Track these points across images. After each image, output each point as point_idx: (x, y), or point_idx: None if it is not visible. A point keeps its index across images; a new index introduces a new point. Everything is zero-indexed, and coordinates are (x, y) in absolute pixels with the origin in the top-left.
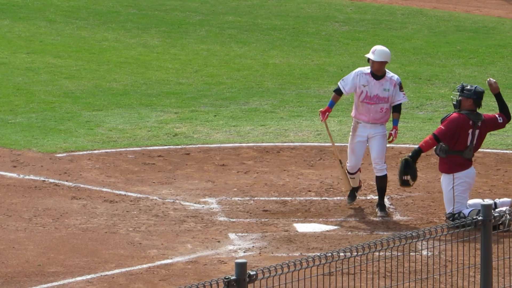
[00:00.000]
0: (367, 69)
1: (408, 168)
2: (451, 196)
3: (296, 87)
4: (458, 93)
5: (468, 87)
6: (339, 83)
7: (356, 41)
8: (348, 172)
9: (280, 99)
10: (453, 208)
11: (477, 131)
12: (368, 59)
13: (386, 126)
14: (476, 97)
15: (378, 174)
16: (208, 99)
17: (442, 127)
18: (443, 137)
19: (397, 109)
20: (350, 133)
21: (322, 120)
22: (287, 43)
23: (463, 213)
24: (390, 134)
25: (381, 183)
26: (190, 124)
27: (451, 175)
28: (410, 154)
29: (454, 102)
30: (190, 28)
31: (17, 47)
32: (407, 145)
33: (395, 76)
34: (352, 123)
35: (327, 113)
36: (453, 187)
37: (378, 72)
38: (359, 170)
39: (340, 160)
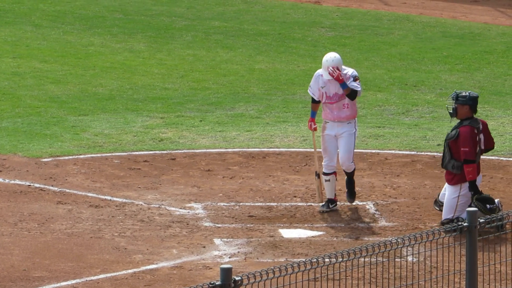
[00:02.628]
0: (322, 70)
1: (483, 201)
2: (454, 204)
3: (282, 93)
4: (453, 101)
5: (463, 94)
6: (309, 91)
7: (343, 47)
8: (324, 173)
9: (266, 105)
10: (453, 216)
11: (481, 136)
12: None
13: (355, 123)
14: (472, 102)
15: (348, 171)
16: (194, 104)
17: (466, 149)
18: (473, 156)
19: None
20: (321, 133)
21: (311, 129)
22: (273, 49)
23: (461, 217)
24: (334, 71)
25: (350, 175)
26: (176, 129)
27: (459, 185)
28: (472, 193)
29: (450, 111)
30: (176, 33)
31: (2, 51)
32: (393, 151)
33: (350, 71)
34: (322, 123)
35: (311, 123)
36: (458, 196)
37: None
38: (335, 173)
39: (316, 172)
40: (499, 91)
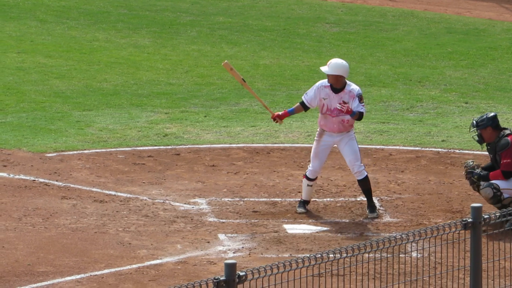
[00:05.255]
0: (326, 81)
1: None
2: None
3: (287, 88)
4: (475, 128)
5: (480, 119)
6: (303, 97)
7: (347, 43)
8: (308, 178)
9: (270, 100)
10: None
11: None
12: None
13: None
14: (492, 122)
15: (359, 178)
16: (198, 100)
17: (509, 160)
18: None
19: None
20: (316, 138)
21: (275, 120)
22: (278, 44)
23: None
24: (343, 107)
25: (364, 185)
26: (181, 124)
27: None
28: (480, 173)
29: (477, 139)
30: (181, 29)
31: (7, 46)
32: (397, 147)
33: (355, 89)
34: (318, 130)
35: (278, 117)
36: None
37: (335, 85)
38: (316, 178)
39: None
40: (503, 87)
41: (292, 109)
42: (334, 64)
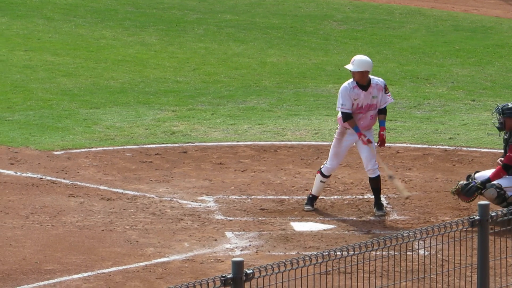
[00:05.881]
0: (351, 82)
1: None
2: None
3: (294, 86)
4: (500, 115)
5: (508, 106)
6: (341, 109)
7: (354, 40)
8: (322, 174)
9: (277, 98)
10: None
11: None
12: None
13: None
14: None
15: (371, 176)
16: (205, 98)
17: (510, 154)
18: None
19: (383, 110)
20: (336, 136)
21: (368, 143)
22: (285, 42)
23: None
24: (382, 135)
25: (375, 183)
26: (188, 122)
27: None
28: (476, 179)
29: (497, 125)
30: (188, 27)
31: (15, 44)
32: (404, 144)
33: (380, 81)
34: (339, 128)
35: (362, 137)
36: None
37: (361, 82)
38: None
39: (390, 175)
40: (511, 85)
41: (356, 127)
42: (359, 61)
